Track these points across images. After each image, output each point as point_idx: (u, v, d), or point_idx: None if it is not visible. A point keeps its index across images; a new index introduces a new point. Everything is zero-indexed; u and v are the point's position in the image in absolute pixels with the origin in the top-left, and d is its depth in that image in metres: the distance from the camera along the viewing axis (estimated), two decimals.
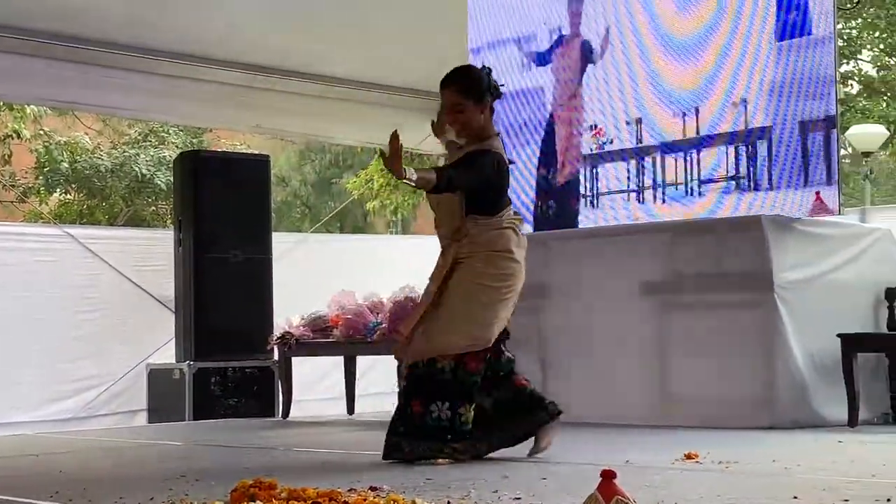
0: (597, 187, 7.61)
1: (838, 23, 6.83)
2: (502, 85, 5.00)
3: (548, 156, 7.87)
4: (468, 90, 4.81)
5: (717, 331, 6.39)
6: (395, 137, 4.51)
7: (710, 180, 7.03)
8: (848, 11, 18.42)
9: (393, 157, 4.50)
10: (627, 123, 7.47)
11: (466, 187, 4.76)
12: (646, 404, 6.60)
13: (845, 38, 21.11)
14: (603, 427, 6.29)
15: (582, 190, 7.69)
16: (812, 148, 6.56)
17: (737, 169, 6.90)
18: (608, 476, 3.00)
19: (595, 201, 7.64)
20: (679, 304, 6.60)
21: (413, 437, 4.77)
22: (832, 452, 4.97)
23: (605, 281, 6.94)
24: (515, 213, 5.04)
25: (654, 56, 7.38)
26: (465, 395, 4.76)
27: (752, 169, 6.82)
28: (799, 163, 6.62)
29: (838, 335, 6.11)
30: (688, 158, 7.14)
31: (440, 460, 4.70)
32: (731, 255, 6.43)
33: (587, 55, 7.70)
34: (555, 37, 7.96)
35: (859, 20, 21.55)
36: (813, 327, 6.25)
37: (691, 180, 7.12)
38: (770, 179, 6.75)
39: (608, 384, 6.82)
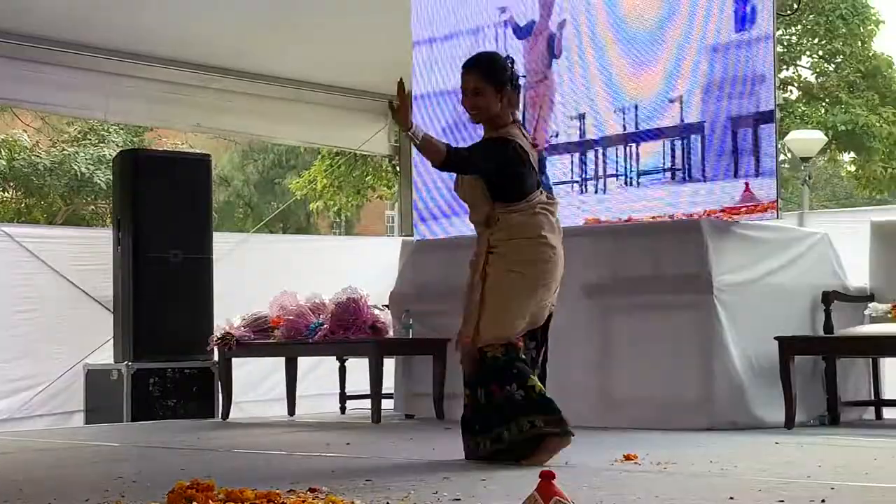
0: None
1: (778, 28, 6.93)
2: (523, 77, 5.04)
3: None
4: (489, 75, 4.77)
5: (656, 333, 6.43)
6: (401, 87, 4.56)
7: (648, 172, 7.21)
8: (788, 18, 18.65)
9: (402, 107, 4.56)
10: (572, 118, 7.59)
11: (478, 173, 4.74)
12: (586, 406, 6.60)
13: (785, 44, 21.36)
14: None
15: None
16: (742, 142, 6.81)
17: (673, 161, 7.10)
18: (547, 477, 3.01)
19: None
20: (620, 306, 6.64)
21: (489, 421, 4.71)
22: (769, 454, 5.02)
23: None
24: (550, 197, 4.93)
25: (607, 51, 7.49)
26: (524, 375, 4.72)
27: (686, 162, 7.04)
28: (729, 156, 6.84)
29: (776, 338, 6.17)
30: (627, 152, 7.31)
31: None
32: (671, 258, 6.48)
33: (552, 48, 7.73)
34: (500, 30, 8.01)
35: (799, 26, 21.82)
36: (751, 330, 6.31)
37: (630, 172, 7.29)
38: (703, 172, 6.97)
39: (549, 386, 6.81)
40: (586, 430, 6.16)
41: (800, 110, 21.03)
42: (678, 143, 7.09)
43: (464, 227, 8.08)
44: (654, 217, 7.12)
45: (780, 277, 6.60)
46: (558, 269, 4.81)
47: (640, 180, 7.28)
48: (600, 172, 7.48)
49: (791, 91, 22.29)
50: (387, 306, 7.73)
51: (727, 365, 6.24)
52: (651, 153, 7.23)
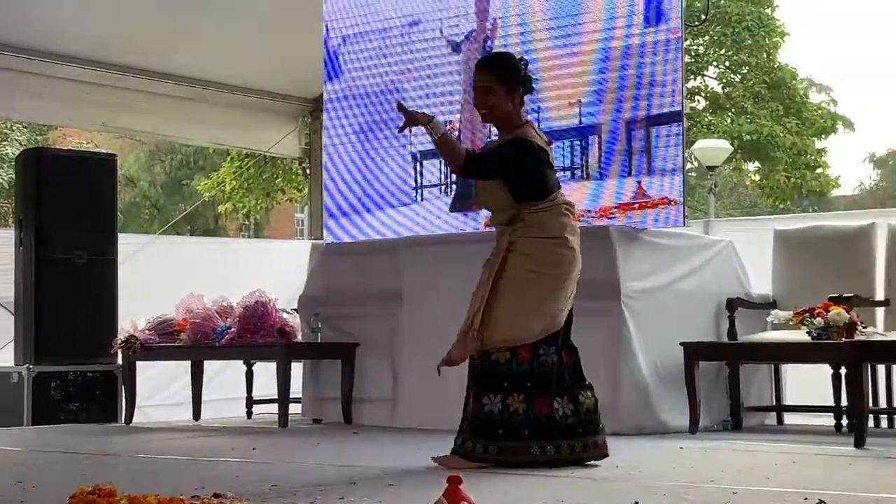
0: (451, 178, 7.84)
1: (686, 38, 7.07)
2: (536, 80, 4.99)
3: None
4: (501, 74, 4.72)
5: None
6: (400, 105, 4.72)
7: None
8: (696, 28, 18.94)
9: (402, 107, 4.69)
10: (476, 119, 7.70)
11: (499, 176, 4.69)
12: None
13: (693, 54, 21.69)
14: (453, 434, 6.29)
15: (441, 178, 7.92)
16: (635, 143, 7.06)
17: (572, 161, 7.31)
18: (454, 482, 3.01)
19: (450, 188, 7.88)
20: None
21: (472, 434, 4.69)
22: (673, 458, 5.07)
23: (459, 287, 6.93)
24: (567, 201, 4.87)
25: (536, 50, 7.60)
26: (515, 387, 4.62)
27: (584, 160, 7.29)
28: (623, 156, 7.09)
29: (681, 344, 6.25)
30: None
31: (473, 464, 4.58)
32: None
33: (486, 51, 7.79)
34: (413, 29, 8.04)
35: (706, 37, 22.17)
36: (657, 336, 6.38)
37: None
38: (600, 170, 7.22)
39: (459, 392, 6.81)
40: None
41: (706, 120, 21.38)
42: (577, 142, 7.31)
43: (375, 230, 8.11)
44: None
45: (686, 284, 6.68)
46: (576, 272, 4.78)
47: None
48: None
49: (698, 101, 22.64)
50: (295, 310, 7.68)
51: (633, 370, 6.30)
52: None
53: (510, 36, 7.65)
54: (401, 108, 4.74)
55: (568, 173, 7.34)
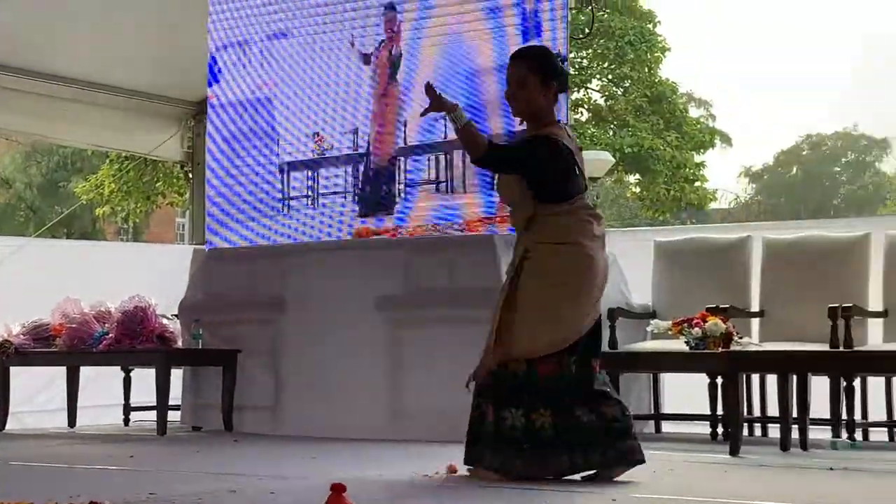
0: (317, 189, 7.85)
1: (570, 51, 7.16)
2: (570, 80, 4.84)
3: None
4: (536, 67, 4.53)
5: (449, 345, 6.47)
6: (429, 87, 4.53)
7: (415, 184, 7.46)
8: (580, 41, 19.19)
9: (430, 88, 4.55)
10: (344, 133, 7.77)
11: (518, 171, 4.52)
12: (379, 419, 6.62)
13: (577, 66, 21.98)
14: (337, 442, 6.27)
15: (305, 191, 7.92)
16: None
17: (437, 175, 7.38)
18: (338, 490, 2.99)
19: (315, 202, 7.86)
20: (413, 318, 6.67)
21: (490, 446, 4.47)
22: None
23: (341, 295, 6.94)
24: (589, 205, 4.63)
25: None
26: (539, 401, 4.41)
27: (449, 174, 7.34)
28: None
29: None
30: (397, 165, 7.56)
31: (493, 475, 4.41)
32: (464, 272, 6.55)
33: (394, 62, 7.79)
34: (291, 37, 8.03)
35: (590, 50, 22.49)
36: None
37: (400, 183, 7.52)
38: (464, 184, 7.26)
39: (342, 399, 6.81)
40: (377, 442, 6.18)
41: (589, 132, 21.66)
42: (442, 157, 7.40)
43: (259, 235, 8.03)
44: (417, 226, 7.36)
45: None
46: (599, 279, 4.51)
47: (408, 191, 7.51)
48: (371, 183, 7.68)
49: (581, 112, 22.94)
50: (176, 315, 7.56)
51: None
52: (418, 167, 7.49)
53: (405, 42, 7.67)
54: (429, 90, 4.56)
55: (433, 186, 7.39)
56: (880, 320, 6.43)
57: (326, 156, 7.84)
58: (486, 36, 7.27)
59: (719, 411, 6.66)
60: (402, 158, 7.53)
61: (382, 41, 7.72)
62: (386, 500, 3.86)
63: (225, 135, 8.30)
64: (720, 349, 5.92)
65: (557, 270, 4.46)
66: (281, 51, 8.09)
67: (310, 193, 7.91)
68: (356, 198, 7.70)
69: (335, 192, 7.77)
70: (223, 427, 7.11)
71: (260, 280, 7.30)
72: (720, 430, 6.66)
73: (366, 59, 7.76)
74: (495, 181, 4.94)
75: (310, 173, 7.91)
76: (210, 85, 8.41)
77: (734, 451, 5.54)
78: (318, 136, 7.90)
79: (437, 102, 4.59)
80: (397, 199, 7.49)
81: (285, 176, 8.02)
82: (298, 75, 8.02)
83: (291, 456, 5.63)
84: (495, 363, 4.49)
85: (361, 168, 7.69)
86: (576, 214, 4.51)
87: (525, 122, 4.65)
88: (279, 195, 8.01)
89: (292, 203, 7.97)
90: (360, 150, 7.70)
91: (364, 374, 6.75)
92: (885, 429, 6.59)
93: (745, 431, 6.45)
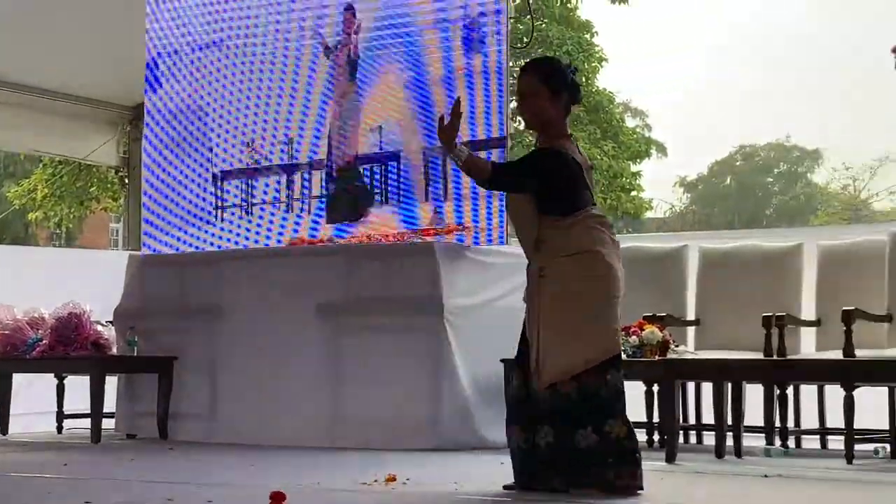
0: (251, 198, 7.90)
1: (509, 60, 7.20)
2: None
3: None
4: (547, 78, 4.44)
5: (388, 354, 6.48)
6: (458, 104, 4.29)
7: (327, 198, 7.61)
8: (519, 50, 19.26)
9: (450, 126, 4.27)
10: (281, 142, 7.83)
11: (526, 189, 4.41)
12: (318, 426, 6.60)
13: (515, 76, 22.03)
14: (274, 450, 6.24)
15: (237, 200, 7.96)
16: (433, 170, 7.22)
17: (372, 185, 7.48)
18: (278, 498, 2.98)
19: (249, 210, 7.90)
20: (353, 326, 6.66)
21: (566, 470, 4.28)
22: (494, 473, 5.12)
23: (280, 302, 6.91)
24: (597, 214, 4.49)
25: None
26: (607, 414, 4.29)
27: (384, 185, 7.42)
28: (422, 182, 7.25)
29: (502, 360, 6.31)
30: (329, 175, 7.64)
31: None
32: (404, 280, 6.55)
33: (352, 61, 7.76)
34: (227, 47, 8.02)
35: (528, 59, 22.55)
36: (479, 352, 6.45)
37: (328, 195, 7.65)
38: (398, 194, 7.35)
39: (281, 406, 6.78)
40: (316, 450, 6.16)
41: (527, 140, 21.75)
42: (377, 168, 7.47)
43: (192, 245, 7.99)
44: (352, 237, 7.43)
45: (507, 301, 6.74)
46: (619, 285, 4.38)
47: (335, 203, 7.61)
48: (306, 193, 7.71)
49: (519, 122, 23.04)
50: (111, 322, 7.48)
51: (455, 386, 6.35)
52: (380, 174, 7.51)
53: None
54: (456, 107, 4.37)
55: (396, 194, 7.42)
56: (813, 329, 6.52)
57: (260, 165, 7.86)
58: (435, 47, 7.28)
59: (655, 419, 6.71)
60: (369, 165, 7.54)
61: (339, 41, 7.71)
62: None
63: (164, 140, 8.25)
64: (657, 357, 5.97)
65: (579, 280, 4.34)
66: (216, 60, 8.08)
67: (243, 203, 7.89)
68: (324, 204, 7.65)
69: (269, 202, 7.81)
70: (158, 435, 7.04)
71: (196, 287, 7.25)
72: (656, 437, 6.72)
73: (327, 51, 7.74)
74: (505, 201, 4.82)
75: (244, 182, 7.92)
76: (148, 91, 8.36)
77: (670, 458, 5.60)
78: (251, 145, 7.89)
79: (451, 130, 4.36)
80: (365, 205, 7.47)
81: (219, 184, 8.00)
82: (234, 84, 8.01)
83: (228, 464, 5.59)
84: (543, 388, 4.33)
85: (324, 174, 7.69)
86: (585, 223, 4.40)
87: (538, 134, 4.57)
88: (213, 203, 7.99)
89: (226, 212, 7.96)
90: (295, 160, 7.73)
91: (303, 382, 6.73)
92: (817, 436, 6.68)
93: (681, 439, 6.51)
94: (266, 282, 7.00)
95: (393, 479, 4.64)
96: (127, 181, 10.80)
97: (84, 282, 8.67)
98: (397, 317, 6.50)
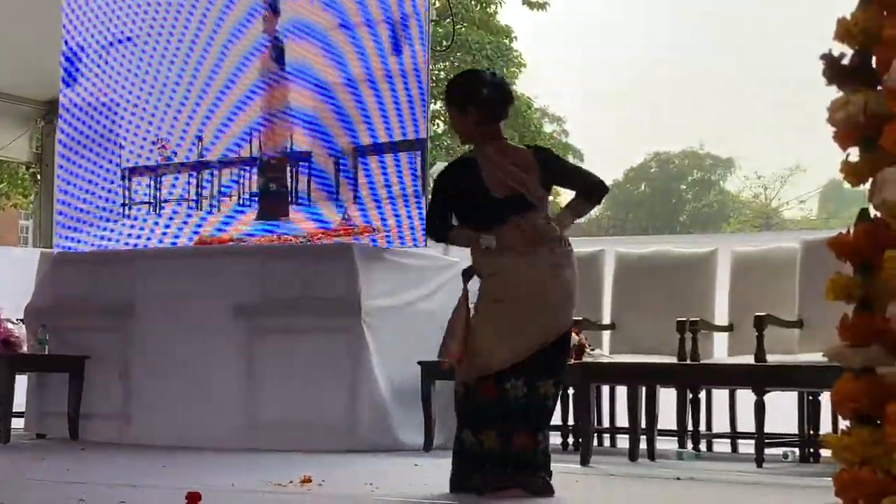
0: (160, 196, 7.83)
1: (429, 63, 7.20)
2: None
3: None
4: (449, 99, 4.68)
5: (305, 355, 6.45)
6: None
7: (258, 194, 7.53)
8: (438, 53, 19.32)
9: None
10: (191, 140, 7.76)
11: (442, 228, 4.64)
12: (232, 428, 6.54)
13: (434, 79, 22.10)
14: (189, 451, 6.17)
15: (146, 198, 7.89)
16: (343, 171, 7.22)
17: (285, 185, 7.45)
18: (193, 499, 2.95)
19: (158, 208, 7.83)
20: (269, 327, 6.62)
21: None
22: (409, 475, 5.13)
23: (196, 302, 6.84)
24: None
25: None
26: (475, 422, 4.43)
27: (295, 185, 7.41)
28: (333, 182, 7.24)
29: (419, 363, 6.33)
30: (242, 174, 7.59)
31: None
32: (322, 281, 6.53)
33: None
34: (138, 42, 7.92)
35: (447, 63, 22.65)
36: (396, 354, 6.45)
37: (243, 194, 7.57)
38: (309, 195, 7.32)
39: (195, 407, 6.71)
40: (231, 452, 6.10)
41: (446, 143, 21.81)
42: (290, 167, 7.46)
43: (102, 241, 7.88)
44: (263, 237, 7.37)
45: (425, 304, 6.77)
46: (515, 285, 4.44)
47: (249, 201, 7.55)
48: (215, 192, 7.65)
49: (438, 125, 23.09)
50: (21, 320, 7.34)
51: (372, 388, 6.35)
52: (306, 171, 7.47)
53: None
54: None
55: (324, 192, 7.34)
56: (725, 334, 6.62)
57: (170, 162, 7.79)
58: (355, 47, 7.26)
59: (570, 422, 6.77)
60: (297, 162, 7.48)
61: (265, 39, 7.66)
62: None
63: (76, 137, 8.14)
64: (572, 361, 6.01)
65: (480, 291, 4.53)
66: (128, 55, 7.98)
67: (152, 200, 7.84)
68: (255, 200, 7.59)
69: (179, 200, 7.75)
70: (69, 435, 6.93)
71: (109, 285, 7.15)
72: (571, 440, 6.78)
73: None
74: None
75: (153, 179, 7.86)
76: (63, 87, 8.23)
77: (585, 461, 5.65)
78: (161, 142, 7.85)
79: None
80: (293, 202, 7.41)
81: (127, 182, 7.93)
82: (146, 81, 7.93)
83: (141, 465, 5.53)
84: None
85: (254, 170, 7.62)
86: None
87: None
88: (121, 202, 7.91)
89: (133, 209, 7.90)
90: (205, 157, 7.68)
91: (218, 383, 6.67)
92: (729, 440, 6.79)
93: (596, 442, 6.57)
94: (181, 281, 6.92)
95: (308, 480, 4.62)
96: (39, 177, 10.62)
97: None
98: (314, 318, 6.47)
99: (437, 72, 22.33)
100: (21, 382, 7.24)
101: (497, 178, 4.49)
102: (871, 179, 2.00)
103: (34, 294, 7.46)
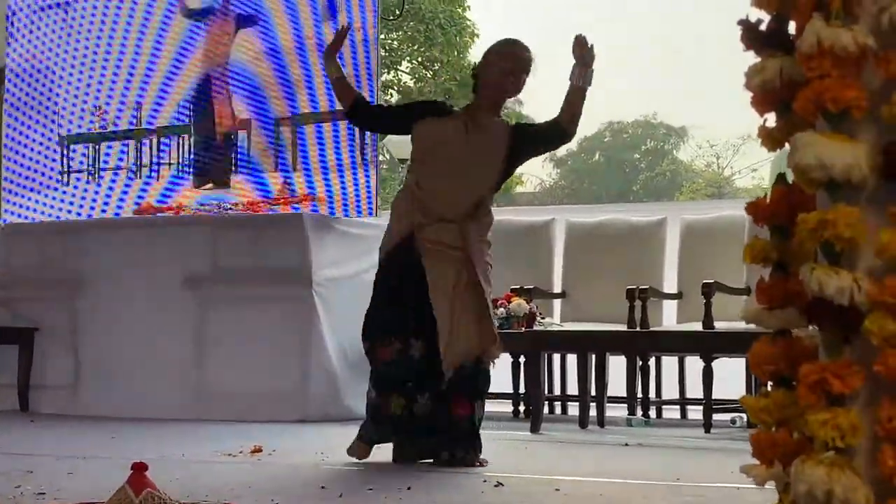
0: (99, 164, 7.79)
1: (381, 33, 7.19)
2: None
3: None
4: (526, 63, 4.59)
5: (255, 325, 6.44)
6: (345, 30, 4.49)
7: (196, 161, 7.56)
8: (391, 22, 19.23)
9: (332, 47, 4.50)
10: (130, 108, 7.73)
11: (387, 130, 4.98)
12: (183, 398, 6.52)
13: (387, 48, 22.03)
14: (138, 422, 6.16)
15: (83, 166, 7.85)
16: (282, 140, 7.25)
17: (227, 153, 7.46)
18: (139, 469, 2.95)
19: (97, 176, 7.80)
20: (220, 297, 6.60)
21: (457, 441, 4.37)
22: None
23: (146, 272, 6.80)
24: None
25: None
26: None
27: (234, 155, 7.42)
28: (273, 151, 7.26)
29: None
30: (179, 142, 7.59)
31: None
32: (272, 251, 6.51)
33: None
34: (78, 6, 7.87)
35: (400, 32, 22.57)
36: (347, 324, 6.42)
37: (182, 161, 7.58)
38: (250, 163, 7.35)
39: (145, 378, 6.68)
40: (181, 422, 6.09)
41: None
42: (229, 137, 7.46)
43: (68, 212, 7.82)
44: (201, 206, 7.40)
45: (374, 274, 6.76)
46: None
47: (189, 169, 7.56)
48: (154, 161, 7.64)
49: (391, 94, 23.03)
50: None
51: (322, 358, 6.35)
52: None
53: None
54: (342, 31, 4.60)
55: (272, 161, 7.33)
56: (675, 302, 6.67)
57: (107, 130, 7.76)
58: (302, 15, 7.22)
59: (521, 390, 6.81)
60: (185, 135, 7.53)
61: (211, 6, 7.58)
62: (188, 478, 3.82)
63: (17, 104, 8.07)
64: (523, 329, 6.05)
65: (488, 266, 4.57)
66: (69, 19, 7.89)
67: (91, 167, 7.80)
68: (190, 167, 7.55)
69: (116, 168, 7.73)
70: (18, 407, 6.88)
71: (59, 256, 7.09)
72: (522, 408, 6.82)
73: (188, 13, 7.61)
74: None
75: (91, 148, 7.82)
76: (8, 50, 8.13)
77: (535, 429, 5.69)
78: (99, 109, 7.80)
79: (333, 52, 4.61)
80: (233, 170, 7.41)
81: (65, 149, 7.87)
82: (86, 46, 7.85)
83: (91, 436, 5.51)
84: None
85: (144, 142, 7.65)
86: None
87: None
88: (59, 169, 7.86)
89: (72, 177, 7.84)
90: (147, 126, 7.64)
91: (168, 354, 6.64)
92: (678, 406, 6.86)
93: (546, 409, 6.62)
94: (130, 252, 6.88)
95: (259, 450, 4.63)
96: None
97: None
98: (265, 288, 6.46)
99: (389, 41, 22.26)
100: None
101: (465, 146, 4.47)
102: (786, 144, 2.02)
103: None
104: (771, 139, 2.11)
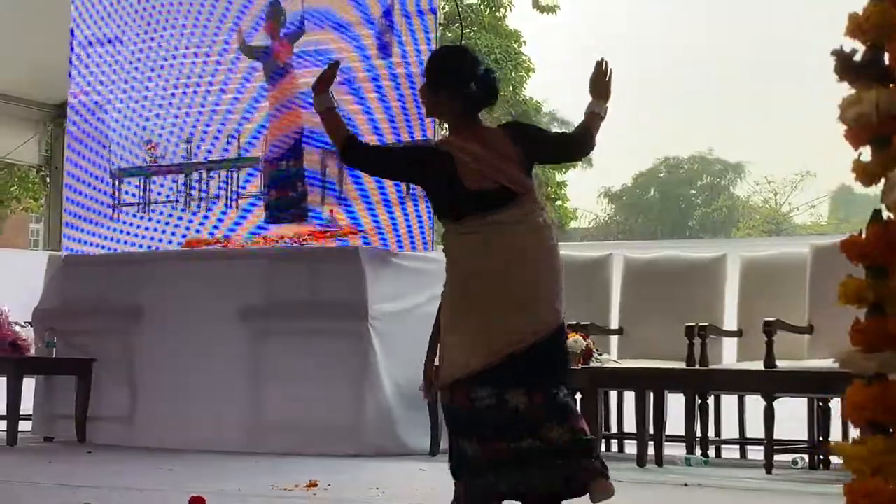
0: (148, 196, 7.91)
1: None
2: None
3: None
4: (425, 72, 4.01)
5: (311, 359, 6.43)
6: (336, 64, 4.04)
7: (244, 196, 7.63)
8: None
9: (323, 80, 3.94)
10: (181, 141, 7.82)
11: (371, 173, 4.39)
12: (239, 431, 6.53)
13: None
14: (194, 454, 6.16)
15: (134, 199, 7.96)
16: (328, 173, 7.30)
17: (267, 186, 7.53)
18: (197, 503, 2.94)
19: (147, 208, 7.91)
20: (275, 330, 6.61)
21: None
22: (414, 480, 5.12)
23: (202, 305, 6.83)
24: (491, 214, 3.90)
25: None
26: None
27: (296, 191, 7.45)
28: (321, 185, 7.32)
29: None
30: (230, 176, 7.68)
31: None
32: (329, 285, 6.51)
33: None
34: (175, 36, 7.92)
35: None
36: (402, 358, 6.41)
37: (231, 195, 7.66)
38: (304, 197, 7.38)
39: (200, 411, 6.69)
40: (236, 455, 6.09)
41: None
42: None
43: (118, 242, 7.89)
44: (253, 238, 7.44)
45: (432, 308, 6.71)
46: (481, 297, 3.90)
47: (239, 203, 7.63)
48: (203, 194, 7.73)
49: (446, 129, 23.08)
50: (29, 323, 7.34)
51: (378, 392, 6.33)
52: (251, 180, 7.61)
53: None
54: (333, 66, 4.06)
55: (335, 193, 7.33)
56: (734, 339, 6.59)
57: (159, 164, 7.86)
58: (362, 49, 7.25)
59: None
60: (234, 170, 7.61)
61: (268, 47, 7.63)
62: None
63: (80, 138, 8.18)
64: (580, 366, 5.99)
65: (445, 295, 4.06)
66: (125, 52, 8.01)
67: (141, 201, 7.92)
68: (263, 203, 7.58)
69: (166, 201, 7.84)
70: (76, 438, 6.92)
71: (116, 288, 7.15)
72: None
73: (247, 50, 7.67)
74: None
75: (142, 181, 7.93)
76: (71, 87, 8.25)
77: None
78: (150, 143, 7.91)
79: (325, 83, 4.04)
80: (310, 203, 7.38)
81: (116, 182, 8.00)
82: (137, 80, 7.98)
83: (147, 468, 5.51)
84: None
85: (194, 175, 7.74)
86: (460, 230, 3.99)
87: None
88: (109, 203, 8.00)
89: (122, 212, 7.97)
90: (194, 159, 7.73)
91: (224, 386, 6.65)
92: (737, 446, 6.76)
93: (603, 447, 6.54)
94: (187, 284, 6.92)
95: (314, 484, 4.61)
96: (48, 180, 10.63)
97: (2, 282, 8.52)
98: (321, 321, 6.46)
99: None
100: (29, 385, 7.23)
101: (473, 171, 3.90)
102: (883, 179, 1.94)
103: (42, 297, 7.46)
104: (867, 174, 2.00)
